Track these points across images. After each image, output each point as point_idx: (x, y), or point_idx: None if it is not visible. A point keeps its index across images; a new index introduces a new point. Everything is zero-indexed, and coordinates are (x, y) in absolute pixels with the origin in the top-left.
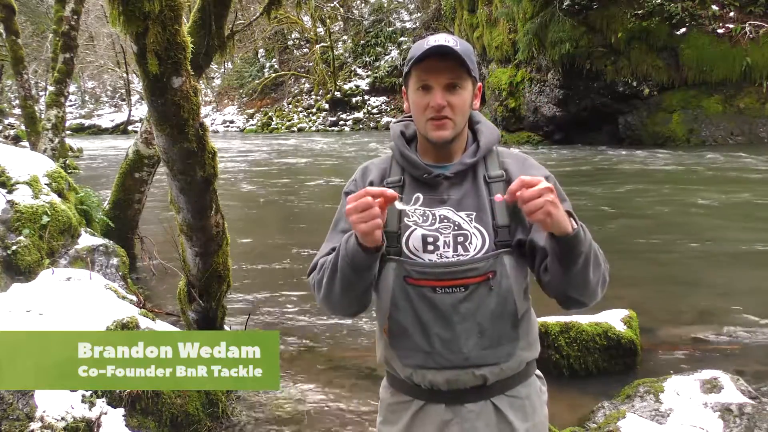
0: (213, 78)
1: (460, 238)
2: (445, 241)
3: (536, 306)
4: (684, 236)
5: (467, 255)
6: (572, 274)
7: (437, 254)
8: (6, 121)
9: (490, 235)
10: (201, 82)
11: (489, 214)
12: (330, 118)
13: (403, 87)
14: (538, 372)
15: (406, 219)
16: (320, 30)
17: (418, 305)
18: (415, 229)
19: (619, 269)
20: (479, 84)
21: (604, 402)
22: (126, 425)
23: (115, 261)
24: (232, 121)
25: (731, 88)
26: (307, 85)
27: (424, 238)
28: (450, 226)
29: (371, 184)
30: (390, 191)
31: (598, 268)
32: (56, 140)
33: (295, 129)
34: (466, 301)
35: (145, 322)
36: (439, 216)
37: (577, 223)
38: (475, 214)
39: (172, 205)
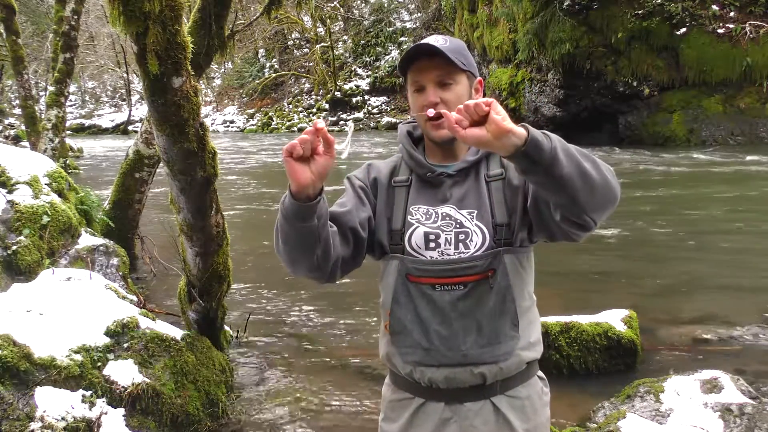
0: (213, 78)
1: (462, 236)
2: (446, 239)
3: (537, 306)
4: (684, 236)
5: (468, 252)
6: (566, 179)
7: (439, 251)
8: (6, 121)
9: (490, 232)
10: (201, 82)
11: (489, 212)
12: (330, 118)
13: (407, 91)
14: (540, 373)
15: (409, 217)
16: (320, 30)
17: (418, 302)
18: (418, 226)
19: (619, 269)
20: (479, 78)
21: (604, 402)
22: (126, 425)
23: (115, 261)
24: (232, 121)
25: (731, 88)
26: (307, 85)
27: (426, 235)
28: (452, 224)
29: (375, 180)
30: (321, 122)
31: (587, 158)
32: (56, 140)
33: (295, 129)
34: (464, 299)
35: (145, 322)
36: (442, 214)
37: (531, 128)
38: (476, 212)
39: (172, 205)
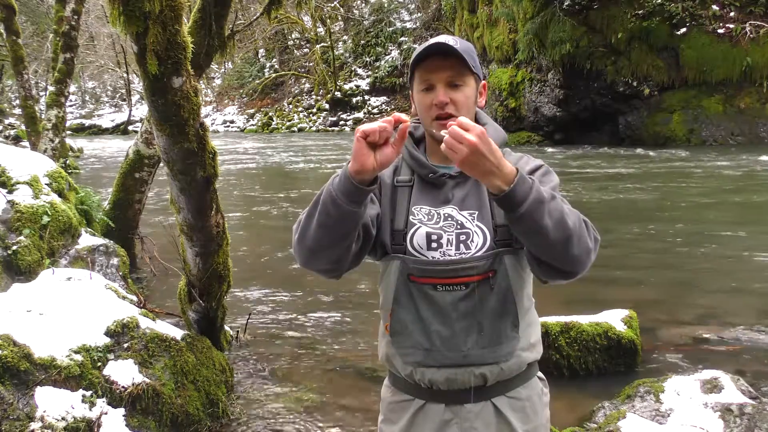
0: (213, 78)
1: (463, 237)
2: (448, 239)
3: (536, 306)
4: (684, 236)
5: (469, 253)
6: (526, 235)
7: (440, 252)
8: (6, 121)
9: (490, 233)
10: (201, 82)
11: (489, 213)
12: (330, 118)
13: (410, 90)
14: (540, 374)
15: (411, 217)
16: (320, 30)
17: (420, 303)
18: (420, 227)
19: (619, 269)
20: (483, 82)
21: (604, 402)
22: (126, 425)
23: (115, 261)
24: (232, 121)
25: (731, 88)
26: (307, 85)
27: (428, 235)
28: (453, 225)
29: (378, 179)
30: (405, 116)
31: (562, 228)
32: (56, 140)
33: (295, 129)
34: (466, 299)
35: (145, 323)
36: (444, 215)
37: (520, 182)
38: (477, 212)
39: (172, 205)
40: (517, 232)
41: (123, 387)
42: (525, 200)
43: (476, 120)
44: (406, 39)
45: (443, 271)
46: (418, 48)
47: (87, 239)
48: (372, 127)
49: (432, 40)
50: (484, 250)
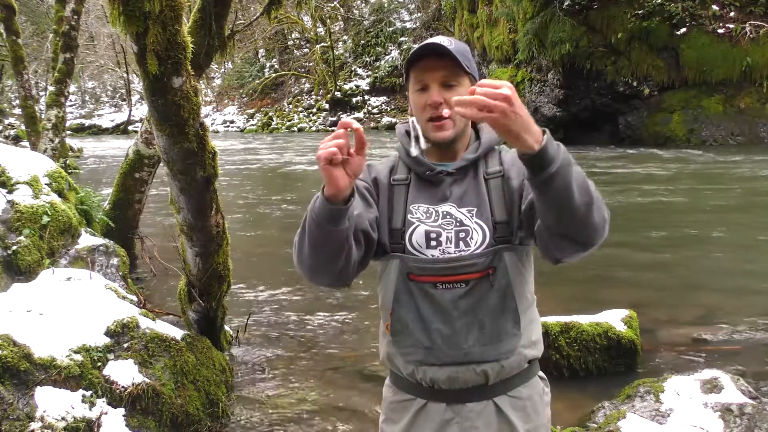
0: (213, 78)
1: (462, 234)
2: (447, 237)
3: (537, 306)
4: (685, 236)
5: (468, 250)
6: (553, 199)
7: (440, 250)
8: (6, 121)
9: (490, 230)
10: (201, 82)
11: (489, 209)
12: (330, 118)
13: (406, 91)
14: (541, 373)
15: (409, 216)
16: (320, 30)
17: (420, 301)
18: (419, 225)
19: (619, 269)
20: (478, 82)
21: (604, 402)
22: (126, 425)
23: (115, 261)
24: (232, 121)
25: (731, 88)
26: (307, 85)
27: (427, 234)
28: (452, 222)
29: (375, 179)
30: (355, 123)
31: (585, 192)
32: (56, 140)
33: (295, 129)
34: (466, 297)
35: (145, 323)
36: (442, 212)
37: (548, 138)
38: (476, 209)
39: (172, 205)
40: (545, 195)
41: (123, 387)
42: (557, 156)
43: (473, 121)
44: (406, 39)
45: (443, 269)
46: (413, 49)
47: (87, 239)
48: (329, 150)
49: (427, 41)
50: (483, 247)
